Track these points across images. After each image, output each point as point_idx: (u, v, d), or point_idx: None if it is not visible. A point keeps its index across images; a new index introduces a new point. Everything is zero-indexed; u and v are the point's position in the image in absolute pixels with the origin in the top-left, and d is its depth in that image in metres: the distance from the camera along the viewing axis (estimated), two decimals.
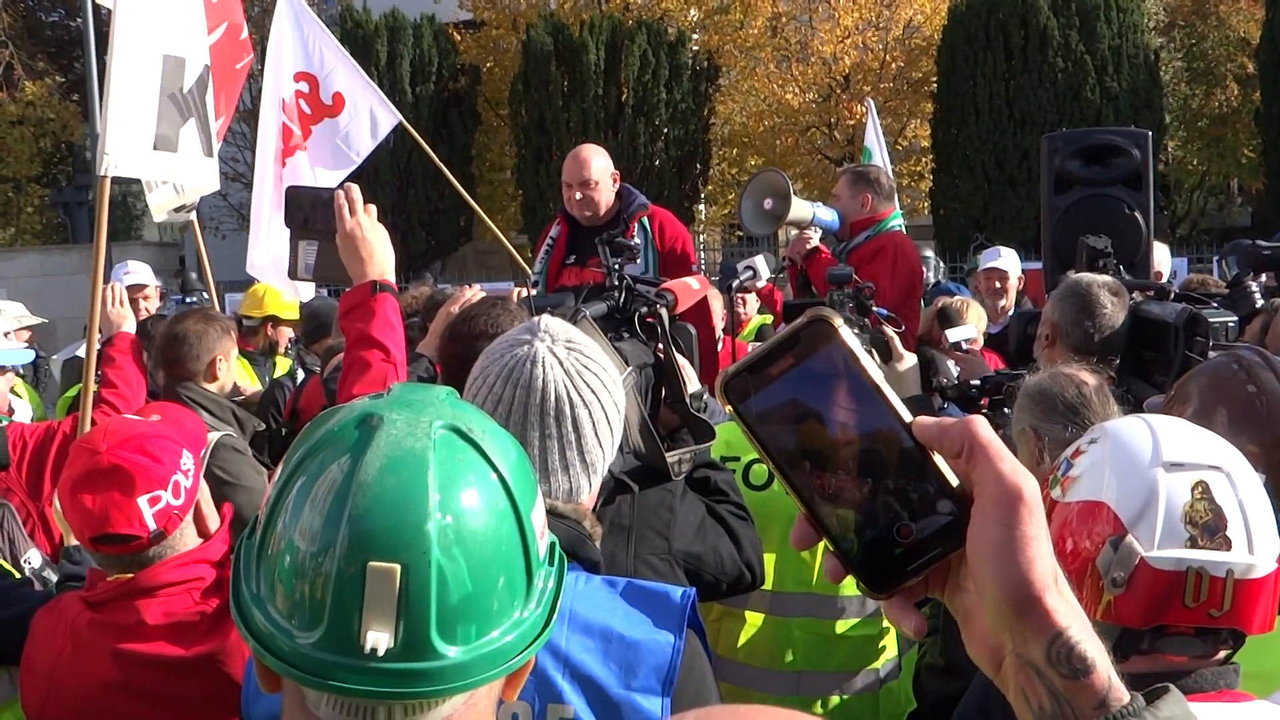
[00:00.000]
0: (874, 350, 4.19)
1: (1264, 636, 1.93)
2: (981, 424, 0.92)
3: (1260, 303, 4.90)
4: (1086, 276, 4.03)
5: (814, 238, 6.09)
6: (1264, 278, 5.30)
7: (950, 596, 0.97)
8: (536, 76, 21.11)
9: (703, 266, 23.28)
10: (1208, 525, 1.65)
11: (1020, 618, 0.91)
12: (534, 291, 4.45)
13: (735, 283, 5.77)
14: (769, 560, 3.70)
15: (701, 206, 23.68)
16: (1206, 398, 2.37)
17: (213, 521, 2.84)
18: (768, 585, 3.53)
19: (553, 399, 2.02)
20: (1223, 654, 1.70)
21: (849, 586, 3.75)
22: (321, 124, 7.70)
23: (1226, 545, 1.65)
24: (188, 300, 9.18)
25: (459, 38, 23.14)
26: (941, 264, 11.54)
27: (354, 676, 1.24)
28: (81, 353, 6.42)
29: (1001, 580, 0.91)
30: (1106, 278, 4.03)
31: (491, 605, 1.30)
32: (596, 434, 2.05)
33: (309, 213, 2.98)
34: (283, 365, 7.57)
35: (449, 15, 23.37)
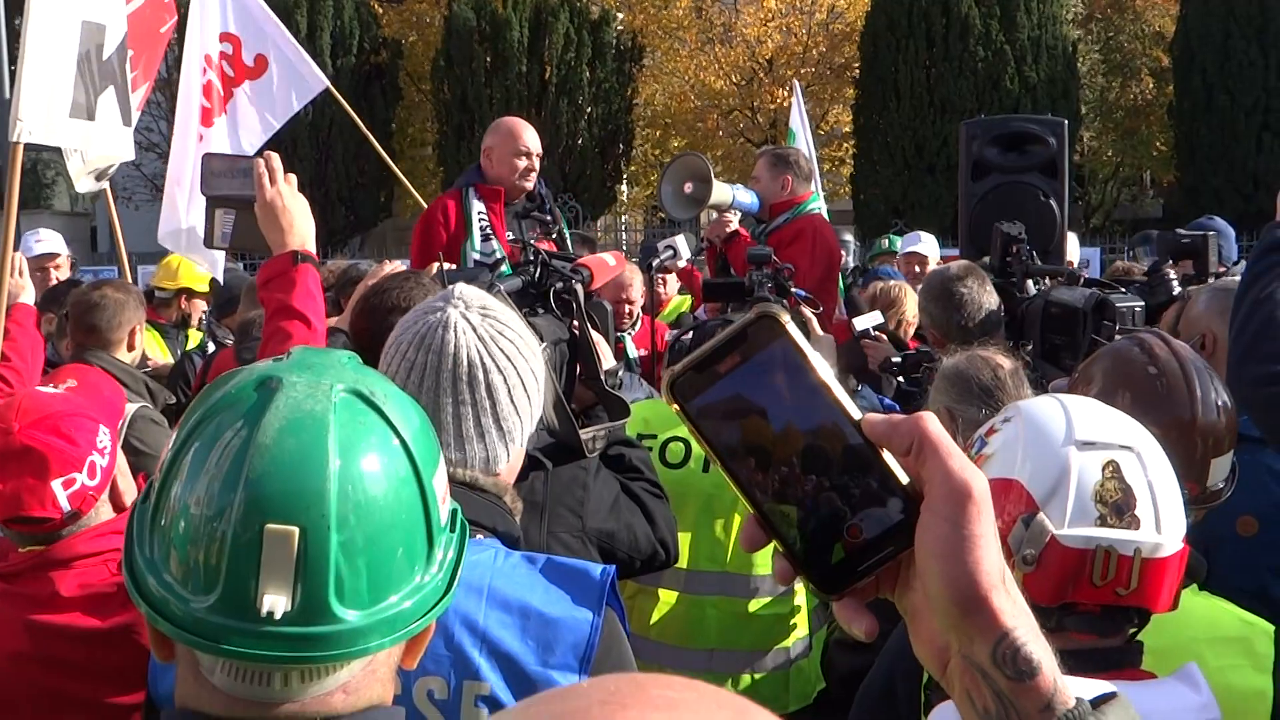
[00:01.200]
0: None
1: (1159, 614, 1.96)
2: (931, 420, 0.90)
3: (1177, 290, 4.97)
4: (937, 271, 4.13)
5: (733, 220, 6.09)
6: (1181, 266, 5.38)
7: (899, 596, 0.95)
8: (459, 53, 20.93)
9: (624, 247, 23.28)
10: (1117, 504, 1.66)
11: (966, 617, 0.89)
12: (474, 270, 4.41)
13: (655, 262, 5.73)
14: (684, 539, 3.69)
15: (624, 187, 23.66)
16: (1109, 379, 2.39)
17: (129, 494, 2.76)
18: (682, 563, 3.52)
19: (465, 364, 1.99)
20: (1129, 632, 1.72)
21: (763, 565, 3.76)
22: (243, 86, 7.53)
23: (1135, 524, 1.66)
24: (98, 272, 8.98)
25: (381, 11, 22.86)
26: (860, 247, 11.63)
27: (249, 640, 1.22)
28: None
29: (948, 579, 0.89)
30: (955, 265, 4.12)
31: (391, 570, 1.28)
32: (513, 400, 2.02)
33: (226, 180, 2.91)
34: (194, 338, 7.44)
35: None
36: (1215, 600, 2.24)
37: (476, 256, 5.36)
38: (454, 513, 1.41)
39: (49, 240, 7.67)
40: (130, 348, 4.68)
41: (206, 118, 7.43)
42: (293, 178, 2.87)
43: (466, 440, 1.99)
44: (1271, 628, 2.21)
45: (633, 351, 6.68)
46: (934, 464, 0.90)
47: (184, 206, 7.12)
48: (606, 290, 6.72)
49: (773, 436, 0.92)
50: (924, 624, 0.93)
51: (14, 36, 20.09)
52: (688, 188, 6.06)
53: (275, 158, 2.87)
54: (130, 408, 4.43)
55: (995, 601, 0.89)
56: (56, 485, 2.56)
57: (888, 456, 0.92)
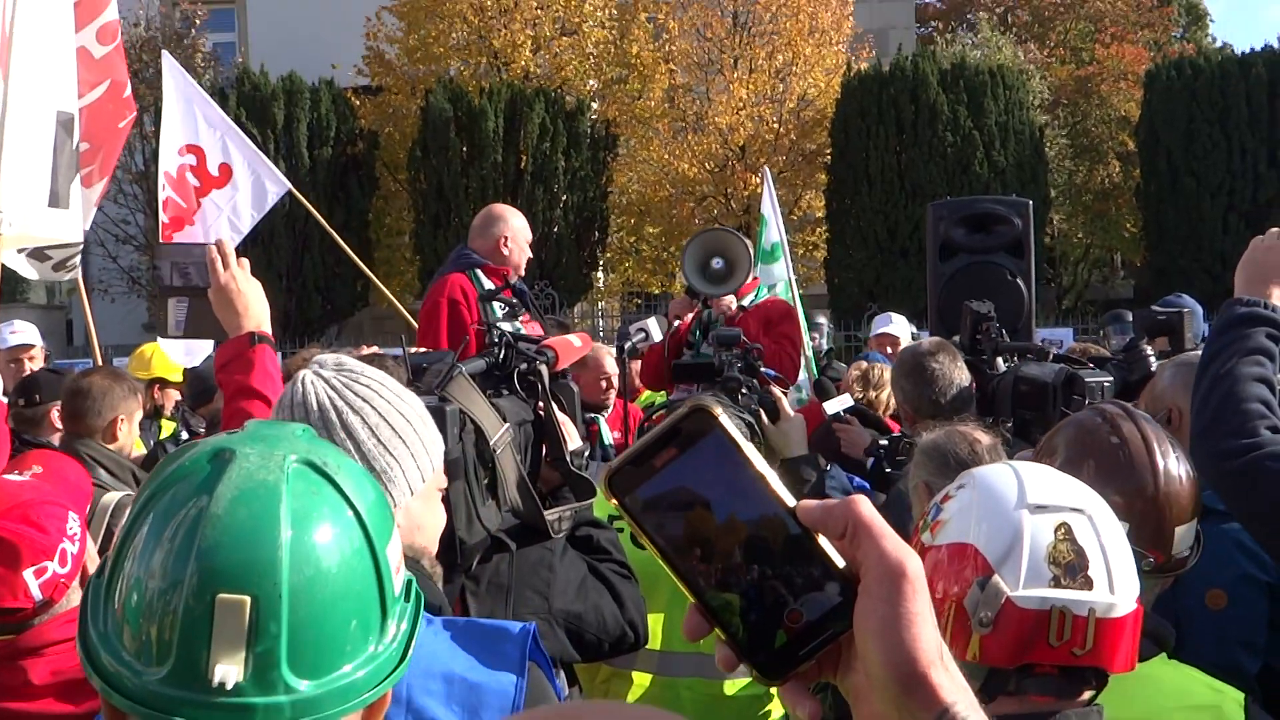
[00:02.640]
0: (762, 410, 4.24)
1: (1130, 684, 1.98)
2: (863, 503, 0.93)
3: (1154, 366, 5.03)
4: (909, 349, 4.18)
5: (734, 300, 6.23)
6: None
7: (841, 678, 0.97)
8: (435, 142, 21.14)
9: (601, 333, 23.37)
10: (1070, 565, 1.69)
11: (907, 694, 0.91)
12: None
13: (628, 345, 5.80)
14: (657, 620, 3.68)
15: (600, 273, 23.79)
16: (1073, 450, 2.43)
17: None
18: (655, 645, 3.52)
19: (316, 409, 1.98)
20: (1087, 694, 1.74)
21: None
22: (209, 196, 7.62)
23: (1088, 585, 1.68)
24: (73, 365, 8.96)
25: (357, 102, 23.10)
26: (830, 330, 11.72)
27: (202, 712, 1.22)
28: None
29: (887, 658, 0.91)
30: (926, 341, 4.18)
31: (344, 639, 1.29)
32: (378, 438, 1.99)
33: (179, 269, 2.95)
34: (167, 428, 7.42)
35: (347, 80, 23.33)
36: (1184, 669, 2.27)
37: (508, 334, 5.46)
38: (408, 583, 1.42)
39: (24, 332, 7.69)
40: (110, 438, 4.66)
41: (167, 234, 7.50)
42: (245, 262, 2.92)
43: None
44: (1241, 695, 2.23)
45: (608, 436, 6.72)
46: (868, 546, 0.93)
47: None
48: (584, 372, 6.80)
49: (716, 528, 0.94)
50: (866, 704, 0.95)
51: None
52: (715, 262, 6.16)
53: (225, 243, 2.92)
54: (113, 496, 4.41)
55: (934, 678, 0.90)
56: (28, 575, 2.54)
57: (823, 541, 0.94)
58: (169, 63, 7.71)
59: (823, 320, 10.83)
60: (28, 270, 6.27)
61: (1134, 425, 2.40)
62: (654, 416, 4.08)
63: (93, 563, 2.75)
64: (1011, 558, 1.69)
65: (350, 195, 21.91)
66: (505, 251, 5.89)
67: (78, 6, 5.41)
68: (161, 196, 7.46)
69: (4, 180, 4.46)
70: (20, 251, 5.86)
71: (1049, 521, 1.71)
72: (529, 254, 6.03)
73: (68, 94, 4.86)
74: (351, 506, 1.31)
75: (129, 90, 7.01)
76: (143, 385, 7.55)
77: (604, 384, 6.59)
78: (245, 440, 1.33)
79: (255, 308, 2.89)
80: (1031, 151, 21.49)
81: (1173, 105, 21.30)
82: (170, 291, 2.97)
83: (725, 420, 0.95)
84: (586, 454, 3.30)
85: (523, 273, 6.02)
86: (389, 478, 1.98)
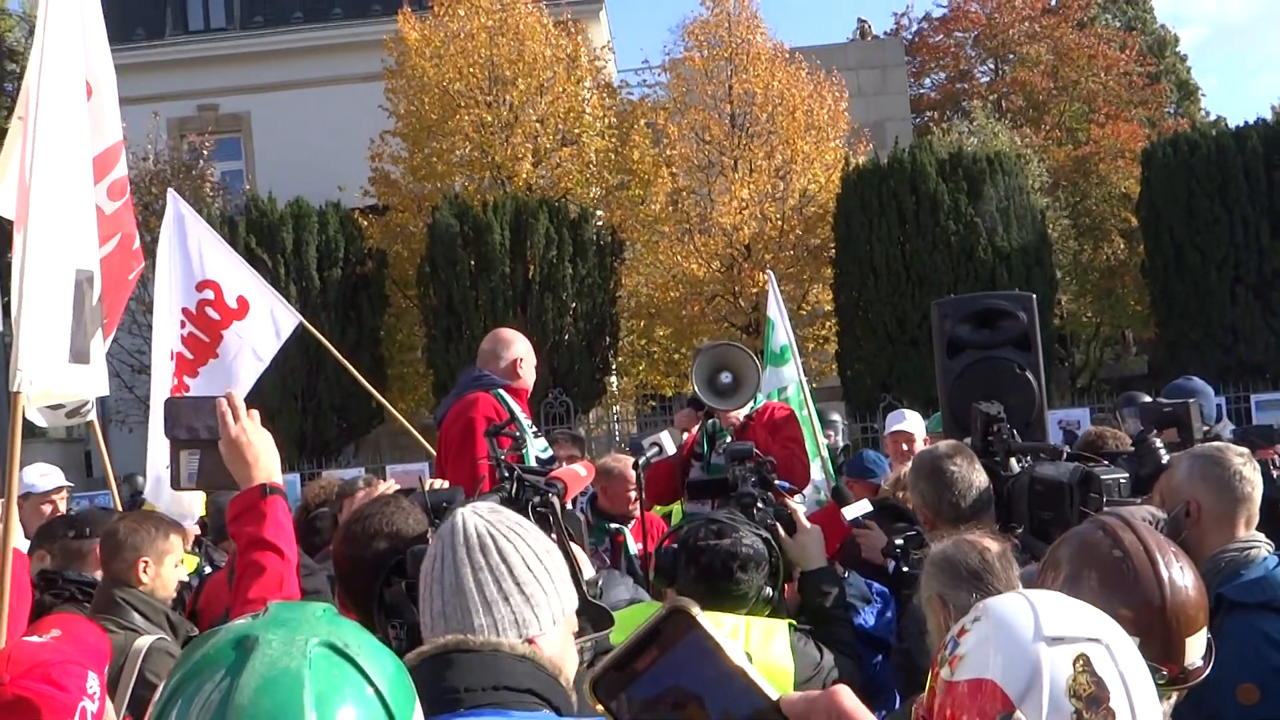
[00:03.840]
0: (779, 523, 4.24)
1: None
2: (844, 695, 0.95)
3: (1165, 459, 5.03)
4: (925, 452, 4.18)
5: (740, 411, 6.27)
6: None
7: None
8: (443, 258, 21.36)
9: (616, 438, 23.38)
10: (1091, 698, 1.68)
11: None
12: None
13: (642, 460, 5.83)
14: None
15: (613, 378, 23.87)
16: (1076, 564, 2.43)
17: None
18: None
19: (475, 537, 2.15)
20: None
21: None
22: (230, 328, 7.71)
23: (1110, 716, 1.68)
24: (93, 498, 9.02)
25: (365, 223, 23.40)
26: (845, 426, 11.72)
27: None
28: None
29: None
30: (942, 445, 4.18)
31: None
32: (528, 565, 2.15)
33: (189, 422, 2.99)
34: (190, 563, 7.42)
35: (353, 201, 23.67)
36: None
37: (539, 454, 5.50)
38: None
39: (52, 474, 7.76)
40: (138, 581, 4.67)
41: (190, 368, 7.57)
42: (255, 414, 2.96)
43: (492, 604, 2.12)
44: None
45: (633, 547, 6.72)
46: None
47: (159, 458, 7.20)
48: (610, 483, 6.83)
49: None
50: None
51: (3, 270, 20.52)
52: (723, 377, 6.22)
53: (236, 396, 2.97)
54: (145, 640, 4.44)
55: None
56: None
57: None
58: (177, 201, 7.84)
59: (836, 417, 10.84)
60: (39, 419, 6.34)
61: (1135, 536, 2.40)
62: (665, 543, 4.09)
63: (110, 717, 2.77)
64: (1032, 693, 1.69)
65: (361, 314, 22.10)
66: (520, 373, 6.00)
67: (94, 161, 5.54)
68: (183, 333, 7.54)
69: (24, 339, 4.51)
70: (70, 413, 5.97)
71: (1067, 654, 1.71)
72: (535, 376, 6.15)
73: (87, 251, 4.94)
74: (372, 685, 1.34)
75: (137, 243, 7.13)
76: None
77: (631, 494, 6.64)
78: (267, 626, 1.36)
79: (265, 459, 2.93)
80: (1034, 234, 21.63)
81: (1172, 182, 21.47)
82: (181, 444, 3.01)
83: (703, 621, 0.97)
84: (601, 582, 3.32)
85: (530, 391, 6.14)
86: (536, 602, 2.15)
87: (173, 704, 1.31)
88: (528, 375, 6.03)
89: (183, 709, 1.30)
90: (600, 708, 0.99)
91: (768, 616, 3.95)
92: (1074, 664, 1.71)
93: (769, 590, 3.97)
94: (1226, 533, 3.81)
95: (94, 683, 2.69)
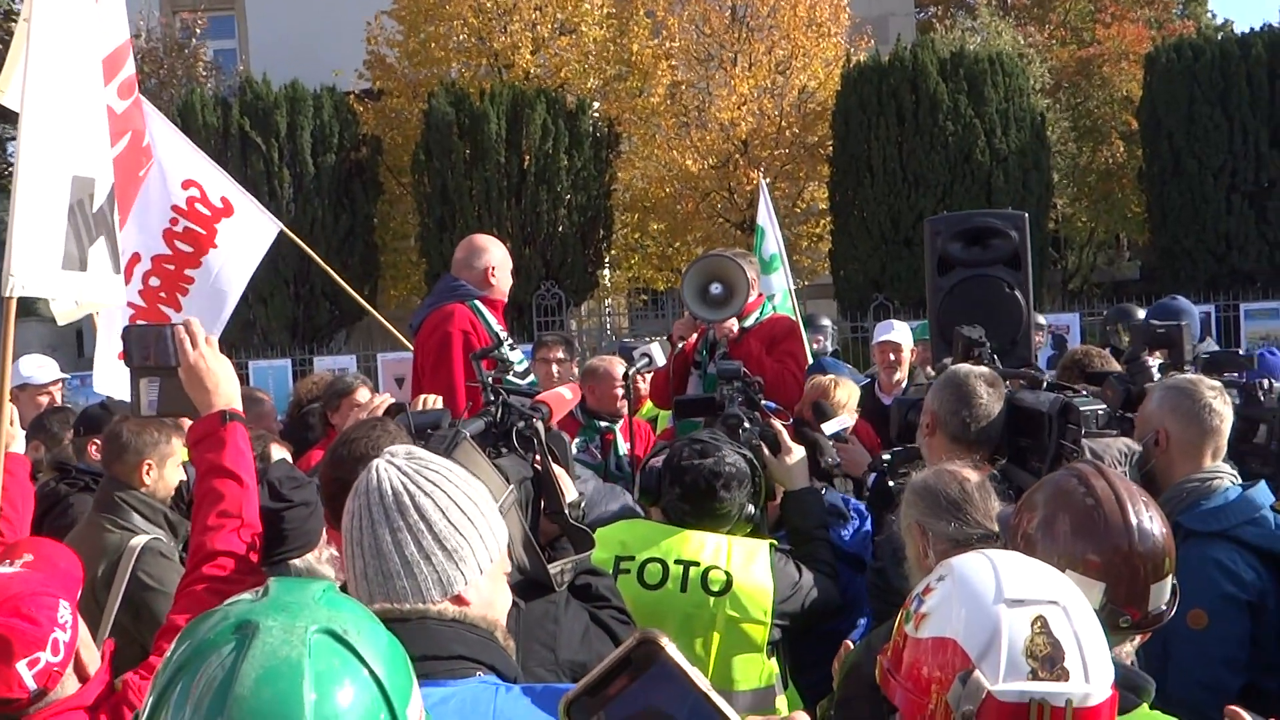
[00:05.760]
0: (764, 443, 4.32)
1: None
2: None
3: (1157, 378, 5.11)
4: (964, 368, 4.19)
5: (735, 324, 6.31)
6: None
7: None
8: (438, 146, 21.21)
9: (609, 330, 23.46)
10: (1047, 658, 1.77)
11: None
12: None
13: (631, 370, 5.90)
14: None
15: (605, 271, 23.87)
16: (1050, 508, 2.52)
17: (92, 665, 2.83)
18: None
19: (390, 494, 2.09)
20: None
21: (743, 681, 3.86)
22: (221, 222, 7.71)
23: (1065, 676, 1.77)
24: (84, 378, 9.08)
25: (360, 108, 23.16)
26: (835, 329, 11.76)
27: None
28: None
29: None
30: (984, 369, 4.18)
31: None
32: (449, 520, 2.10)
33: (148, 349, 3.03)
34: (184, 453, 7.51)
35: (349, 85, 23.40)
36: (1167, 719, 2.34)
37: (515, 367, 5.58)
38: None
39: (47, 366, 7.83)
40: (140, 482, 4.75)
41: (192, 260, 7.58)
42: (213, 340, 3.00)
43: (414, 565, 2.08)
44: None
45: (623, 447, 6.83)
46: None
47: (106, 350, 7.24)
48: (598, 383, 6.91)
49: None
50: None
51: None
52: (714, 288, 6.25)
53: (194, 323, 3.01)
54: (139, 540, 4.53)
55: None
56: (21, 666, 2.62)
57: None
58: (149, 109, 7.78)
59: (827, 322, 10.87)
60: (61, 319, 6.43)
61: (1107, 484, 2.48)
62: (651, 461, 4.16)
63: (86, 649, 2.83)
64: (991, 652, 1.77)
65: (355, 200, 21.99)
66: (494, 281, 6.06)
67: (103, 63, 5.50)
68: (176, 229, 7.55)
69: (17, 244, 4.53)
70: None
71: (1025, 615, 1.80)
72: (511, 281, 6.21)
73: (90, 157, 4.92)
74: (371, 672, 1.38)
75: (148, 139, 7.11)
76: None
77: (618, 393, 6.73)
78: (268, 611, 1.39)
79: (225, 386, 2.98)
80: (1033, 136, 21.49)
81: (1174, 87, 21.28)
82: (141, 371, 3.04)
83: (670, 649, 1.03)
84: (584, 501, 3.40)
85: (506, 299, 6.24)
86: (460, 556, 2.10)
87: (172, 688, 1.34)
88: (502, 283, 6.08)
89: (181, 697, 1.32)
90: None
91: (749, 535, 4.05)
92: (1032, 625, 1.79)
93: (751, 509, 4.06)
94: (1193, 463, 3.93)
95: (65, 611, 2.74)
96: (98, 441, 5.59)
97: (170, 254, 7.59)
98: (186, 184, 7.63)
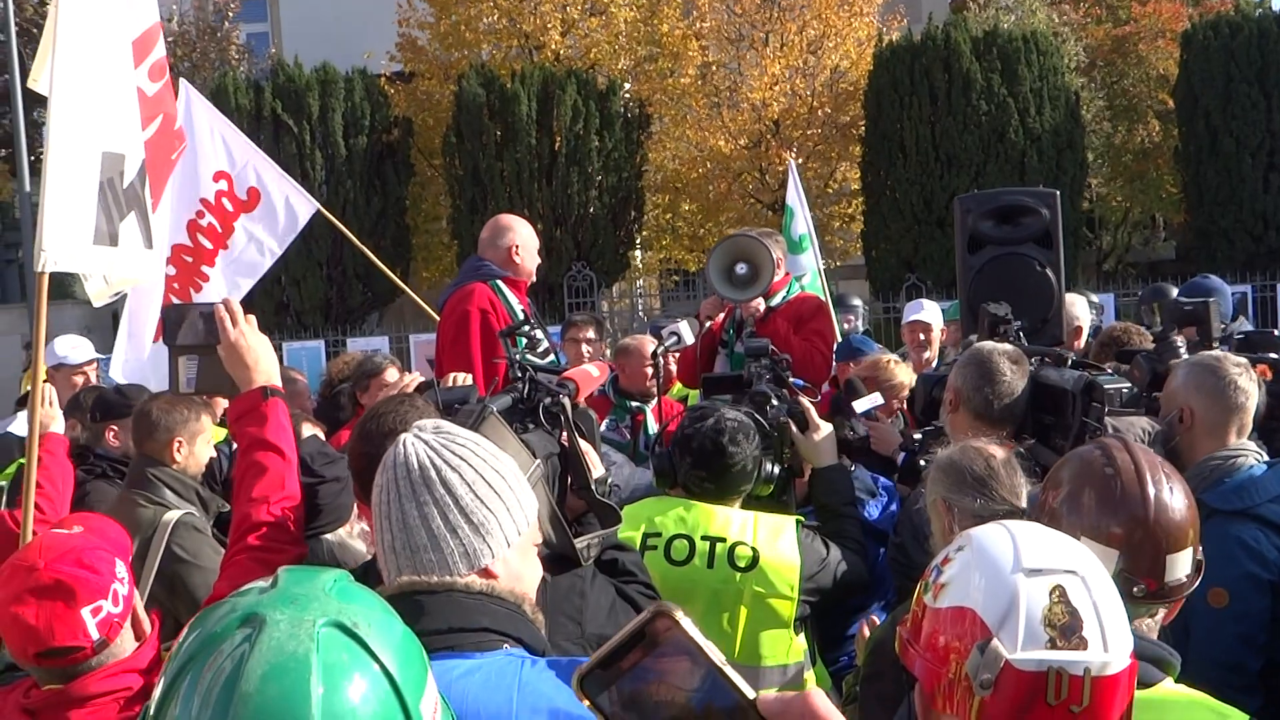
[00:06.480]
0: (792, 420, 4.33)
1: (1136, 711, 2.07)
2: (819, 699, 1.02)
3: (1184, 357, 5.10)
4: (988, 345, 4.18)
5: (761, 302, 6.32)
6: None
7: None
8: (469, 127, 21.23)
9: (640, 312, 23.46)
10: (1065, 627, 1.78)
11: None
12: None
13: (660, 349, 5.92)
14: None
15: (637, 252, 23.86)
16: (1074, 483, 2.52)
17: (146, 625, 2.90)
18: None
19: (418, 468, 2.10)
20: None
21: (770, 657, 3.88)
22: (239, 219, 7.79)
23: (1083, 645, 1.78)
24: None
25: (391, 90, 23.21)
26: (866, 309, 11.74)
27: None
28: (13, 429, 6.44)
29: None
30: (1007, 346, 4.17)
31: None
32: (476, 494, 2.11)
33: (188, 328, 3.07)
34: (218, 434, 7.58)
35: (380, 67, 23.45)
36: (1190, 693, 2.35)
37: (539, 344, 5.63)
38: None
39: (81, 347, 7.91)
40: (171, 460, 4.82)
41: (209, 257, 7.66)
42: (252, 318, 3.04)
43: (440, 539, 2.09)
44: (1245, 718, 2.30)
45: (653, 426, 6.85)
46: None
47: (148, 350, 7.31)
48: (629, 361, 6.94)
49: (695, 715, 1.04)
50: None
51: (33, 127, 20.48)
52: (739, 268, 6.26)
53: (233, 302, 3.05)
54: (172, 515, 4.61)
55: None
56: (85, 613, 2.70)
57: None
58: (189, 91, 7.84)
59: (857, 302, 10.85)
60: (96, 300, 6.51)
61: (1128, 456, 2.49)
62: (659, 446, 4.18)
63: (138, 605, 2.89)
64: (1009, 622, 1.78)
65: (387, 183, 22.04)
66: (518, 260, 6.09)
67: (133, 45, 5.55)
68: (201, 224, 7.63)
69: (48, 220, 4.58)
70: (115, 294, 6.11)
71: (1044, 584, 1.80)
72: (538, 261, 6.23)
73: (120, 133, 4.97)
74: (382, 666, 1.35)
75: (179, 122, 7.18)
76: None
77: (648, 371, 6.74)
78: (275, 603, 1.36)
79: (265, 362, 3.02)
80: (1067, 116, 21.31)
81: (1210, 65, 21.06)
82: (180, 350, 3.09)
83: (685, 622, 1.05)
84: (611, 480, 3.42)
85: (533, 279, 6.25)
86: (487, 530, 2.11)
87: (181, 680, 1.32)
88: (526, 262, 6.11)
89: (190, 689, 1.30)
90: (587, 703, 1.06)
91: (776, 512, 4.06)
92: (1050, 595, 1.80)
93: (770, 466, 4.05)
94: (1217, 440, 3.91)
95: (122, 568, 2.82)
96: (115, 427, 5.66)
97: (191, 245, 7.68)
98: (218, 176, 7.71)
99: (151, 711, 1.34)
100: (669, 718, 1.05)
